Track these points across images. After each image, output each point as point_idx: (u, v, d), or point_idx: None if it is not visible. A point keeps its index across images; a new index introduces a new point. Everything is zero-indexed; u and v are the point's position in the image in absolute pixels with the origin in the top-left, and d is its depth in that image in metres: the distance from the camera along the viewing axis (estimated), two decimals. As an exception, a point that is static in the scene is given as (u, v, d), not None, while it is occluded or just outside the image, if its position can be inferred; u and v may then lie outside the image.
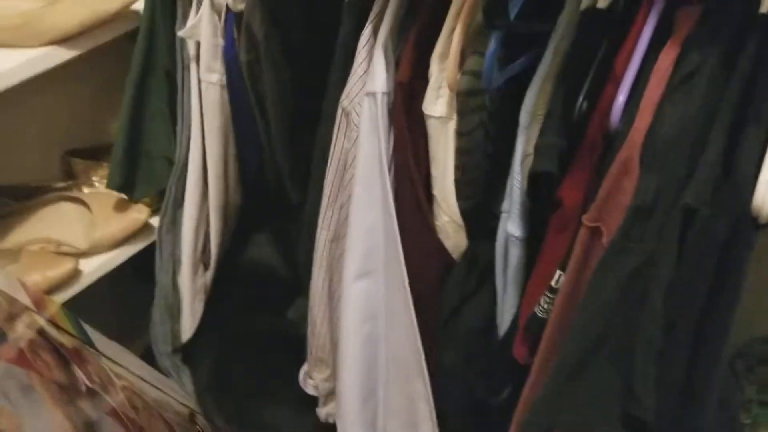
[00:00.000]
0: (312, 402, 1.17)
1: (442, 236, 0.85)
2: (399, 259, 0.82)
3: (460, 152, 0.81)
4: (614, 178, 0.67)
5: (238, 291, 1.29)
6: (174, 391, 1.29)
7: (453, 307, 0.87)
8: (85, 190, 1.32)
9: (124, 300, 1.36)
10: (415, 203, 0.83)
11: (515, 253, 0.79)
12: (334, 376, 1.03)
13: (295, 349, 1.17)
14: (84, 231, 1.21)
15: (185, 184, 1.12)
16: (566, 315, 0.73)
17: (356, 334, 0.90)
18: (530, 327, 0.78)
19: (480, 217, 0.83)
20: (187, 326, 1.26)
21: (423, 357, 0.86)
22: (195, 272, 1.21)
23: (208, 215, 1.17)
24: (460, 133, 0.80)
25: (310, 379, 1.09)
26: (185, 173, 1.11)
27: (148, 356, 1.33)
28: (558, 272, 0.73)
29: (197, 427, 1.23)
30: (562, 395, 0.72)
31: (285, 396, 1.20)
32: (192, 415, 1.25)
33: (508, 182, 0.77)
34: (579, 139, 0.71)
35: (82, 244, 1.20)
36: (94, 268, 1.20)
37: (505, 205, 0.79)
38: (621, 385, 0.69)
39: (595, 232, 0.69)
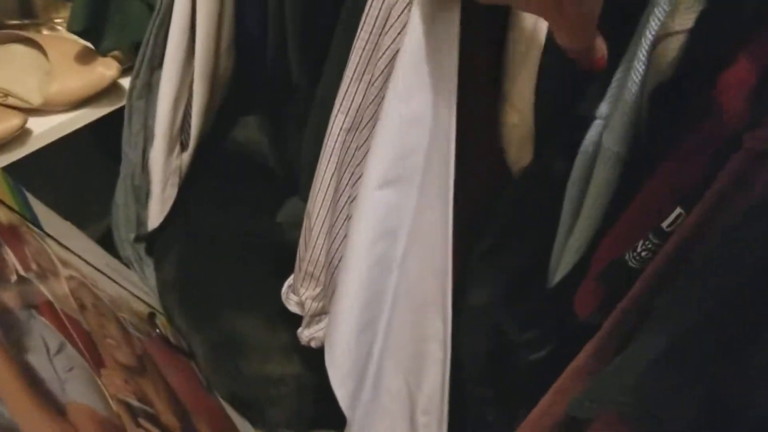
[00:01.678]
0: (286, 318, 0.99)
1: (503, 144, 0.64)
2: (448, 166, 0.60)
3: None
4: None
5: (216, 180, 1.10)
6: (133, 286, 1.10)
7: (497, 236, 0.68)
8: (45, 32, 1.12)
9: (83, 175, 1.16)
10: (480, 89, 0.61)
11: (605, 176, 0.58)
12: (326, 296, 0.84)
13: (277, 256, 1.00)
14: (38, 82, 1.01)
15: (166, 38, 0.91)
16: (673, 272, 0.52)
17: (366, 253, 0.69)
18: (611, 277, 0.58)
19: (560, 121, 0.61)
20: (156, 213, 1.08)
21: (450, 290, 0.66)
22: (170, 151, 1.02)
23: (191, 83, 0.96)
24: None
25: (294, 295, 0.90)
26: (167, 24, 0.90)
27: (107, 242, 1.14)
28: (677, 210, 0.52)
29: (156, 329, 1.04)
30: (644, 379, 0.52)
31: (257, 306, 1.04)
32: (151, 316, 1.06)
33: (618, 73, 0.55)
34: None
35: (34, 98, 0.99)
36: (47, 129, 1.00)
37: (603, 108, 0.57)
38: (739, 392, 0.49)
39: (761, 159, 0.46)
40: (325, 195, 0.77)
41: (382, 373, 0.75)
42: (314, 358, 1.02)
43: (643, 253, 0.55)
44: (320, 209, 0.78)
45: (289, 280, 0.91)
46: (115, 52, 1.02)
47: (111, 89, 1.02)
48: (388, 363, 0.74)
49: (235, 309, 1.06)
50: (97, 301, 0.89)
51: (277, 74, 0.99)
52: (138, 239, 1.11)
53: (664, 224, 0.53)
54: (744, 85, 0.47)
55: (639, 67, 0.53)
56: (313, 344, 0.90)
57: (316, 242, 0.82)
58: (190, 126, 1.01)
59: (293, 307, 0.91)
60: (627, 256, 0.56)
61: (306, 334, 0.91)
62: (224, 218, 1.09)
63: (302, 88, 0.96)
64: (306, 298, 0.87)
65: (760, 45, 0.47)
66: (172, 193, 1.06)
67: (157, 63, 0.95)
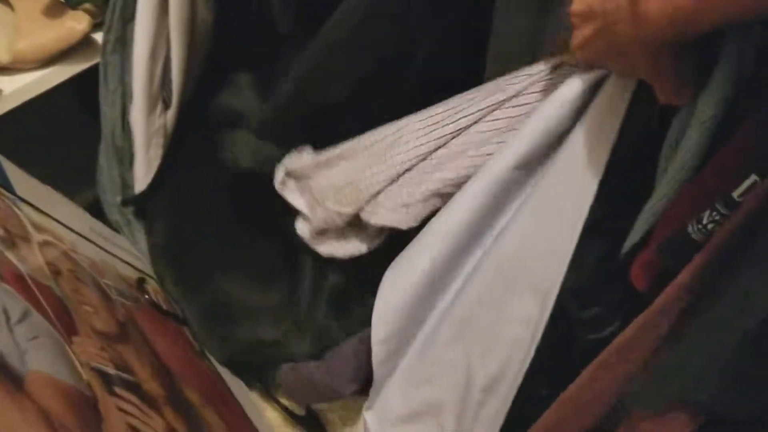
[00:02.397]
0: (279, 279, 0.99)
1: None
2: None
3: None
4: None
5: (205, 139, 1.05)
6: (122, 251, 1.06)
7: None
8: None
9: (67, 138, 1.11)
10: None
11: (698, 139, 0.52)
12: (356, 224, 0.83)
13: (268, 217, 0.98)
14: (5, 38, 0.95)
15: (137, -14, 0.86)
16: (741, 247, 0.48)
17: (466, 215, 0.69)
18: (670, 249, 0.54)
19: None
20: (141, 175, 1.03)
21: (561, 278, 0.62)
22: (151, 109, 0.97)
23: (168, 35, 0.90)
24: None
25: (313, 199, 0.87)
26: None
27: (97, 209, 1.10)
28: (752, 177, 0.47)
29: (146, 295, 1.00)
30: (725, 373, 0.49)
31: (249, 268, 1.01)
32: (140, 281, 1.02)
33: None
34: None
35: (1, 55, 0.94)
36: (17, 87, 0.95)
37: None
38: None
39: None
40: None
41: (436, 340, 0.72)
42: (306, 318, 0.98)
43: (709, 225, 0.50)
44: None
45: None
46: (87, 5, 0.96)
47: (84, 44, 0.97)
48: (446, 331, 0.71)
49: (227, 272, 1.02)
50: (74, 267, 0.85)
51: (262, 24, 0.93)
52: (125, 203, 1.07)
53: (736, 193, 0.48)
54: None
55: None
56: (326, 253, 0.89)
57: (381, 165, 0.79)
58: (171, 82, 0.95)
59: (294, 197, 0.89)
60: (690, 228, 0.51)
61: (325, 248, 0.89)
62: (214, 180, 1.05)
63: (291, 41, 0.91)
64: (333, 211, 0.84)
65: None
66: (157, 153, 1.01)
67: (129, 15, 0.90)
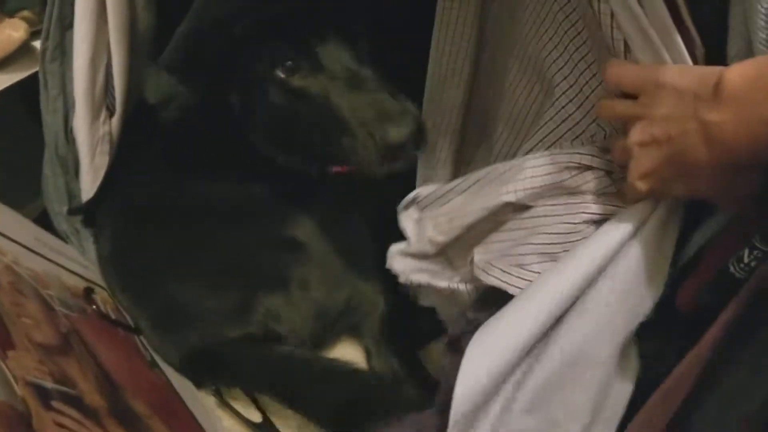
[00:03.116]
0: (229, 281, 0.97)
1: None
2: None
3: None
4: None
5: (153, 146, 1.03)
6: (70, 260, 1.03)
7: None
8: None
9: (10, 148, 1.09)
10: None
11: None
12: (451, 250, 0.80)
13: (217, 220, 0.98)
14: None
15: (74, -8, 0.83)
16: None
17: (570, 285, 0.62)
18: (719, 286, 0.54)
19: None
20: (87, 184, 1.00)
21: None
22: (94, 117, 0.94)
23: (108, 41, 0.88)
24: None
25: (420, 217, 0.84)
26: None
27: (45, 219, 1.08)
28: None
29: (93, 305, 0.98)
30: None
31: (199, 272, 0.98)
32: (88, 291, 1.00)
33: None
34: None
35: None
36: None
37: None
38: None
39: None
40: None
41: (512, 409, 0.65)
42: (260, 318, 0.96)
43: (752, 263, 0.50)
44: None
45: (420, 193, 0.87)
46: (25, 12, 0.95)
47: (23, 52, 0.96)
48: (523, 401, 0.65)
49: (176, 278, 1.00)
50: (14, 278, 0.82)
51: None
52: (71, 212, 1.04)
53: None
54: None
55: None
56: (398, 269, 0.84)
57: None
58: (114, 89, 0.93)
59: (407, 224, 0.86)
60: (731, 267, 0.51)
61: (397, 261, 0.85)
62: (161, 186, 1.03)
63: None
64: (427, 236, 0.82)
65: None
66: (102, 161, 0.99)
67: (67, 23, 0.88)
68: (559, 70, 0.70)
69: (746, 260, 0.51)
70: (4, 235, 0.90)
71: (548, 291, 0.62)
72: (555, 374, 0.62)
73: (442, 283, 0.80)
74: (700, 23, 0.56)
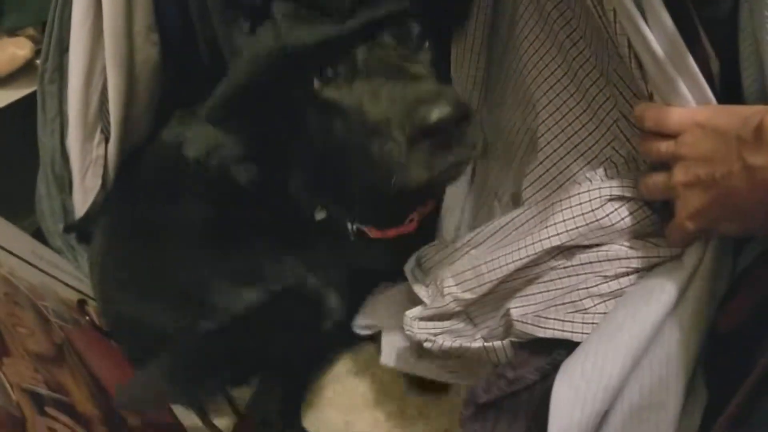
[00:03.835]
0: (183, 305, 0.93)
1: None
2: None
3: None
4: None
5: (146, 173, 1.03)
6: (65, 273, 1.05)
7: None
8: None
9: (9, 163, 1.10)
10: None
11: None
12: (476, 310, 0.75)
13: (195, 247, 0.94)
14: None
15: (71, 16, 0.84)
16: None
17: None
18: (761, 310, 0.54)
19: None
20: (79, 202, 1.01)
21: None
22: (86, 139, 0.96)
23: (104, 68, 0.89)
24: None
25: (431, 279, 0.80)
26: (71, 2, 0.84)
27: (42, 233, 1.08)
28: None
29: (86, 317, 1.00)
30: None
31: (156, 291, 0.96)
32: (81, 302, 1.02)
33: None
34: None
35: None
36: None
37: None
38: None
39: None
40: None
41: None
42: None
43: None
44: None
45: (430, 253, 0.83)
46: (31, 32, 0.96)
47: (27, 70, 0.97)
48: None
49: (142, 293, 0.96)
50: (11, 289, 0.84)
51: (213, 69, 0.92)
52: (66, 229, 1.05)
53: None
54: None
55: None
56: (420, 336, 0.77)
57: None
58: (108, 113, 0.94)
59: (419, 288, 0.80)
60: None
61: (418, 326, 0.78)
62: (149, 212, 1.03)
63: None
64: (449, 294, 0.76)
65: None
66: (94, 183, 0.98)
67: (65, 45, 0.88)
68: (568, 95, 0.70)
69: None
70: (1, 247, 0.92)
71: (630, 334, 0.60)
72: (634, 415, 0.60)
73: (476, 344, 0.72)
74: (713, 39, 0.57)
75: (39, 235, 1.07)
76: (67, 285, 1.03)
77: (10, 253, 0.94)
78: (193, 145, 0.92)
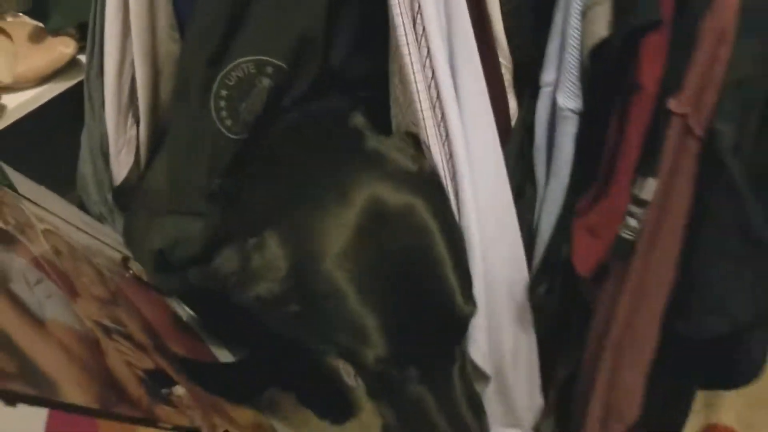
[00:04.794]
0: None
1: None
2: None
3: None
4: (708, 51, 0.52)
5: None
6: (107, 237, 1.21)
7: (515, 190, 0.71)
8: (9, 18, 1.17)
9: (57, 145, 1.24)
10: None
11: (568, 131, 0.64)
12: None
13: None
14: (6, 63, 1.08)
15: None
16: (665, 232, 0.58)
17: None
18: (619, 252, 0.63)
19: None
20: (115, 174, 1.14)
21: None
22: (121, 121, 1.08)
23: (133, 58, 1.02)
24: None
25: None
26: (104, 7, 0.96)
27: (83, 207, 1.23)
28: (649, 180, 0.57)
29: (131, 271, 1.16)
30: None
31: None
32: (125, 259, 1.18)
33: (552, 45, 0.63)
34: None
35: (5, 77, 1.08)
36: (19, 103, 1.10)
37: (547, 77, 0.64)
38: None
39: (687, 129, 0.54)
40: None
41: None
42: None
43: (634, 224, 0.61)
44: None
45: None
46: (72, 31, 1.09)
47: (71, 64, 1.11)
48: None
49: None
50: (70, 249, 1.00)
51: None
52: (107, 196, 1.21)
53: (637, 191, 0.59)
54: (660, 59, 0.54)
55: (574, 33, 0.60)
56: None
57: None
58: (137, 99, 1.06)
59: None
60: (622, 232, 0.62)
61: None
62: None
63: None
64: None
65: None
66: (127, 159, 1.11)
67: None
68: None
69: (629, 223, 0.61)
70: (59, 217, 1.09)
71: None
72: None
73: None
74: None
75: (81, 207, 1.23)
76: (110, 246, 1.20)
77: (65, 221, 1.10)
78: None
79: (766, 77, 0.52)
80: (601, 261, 0.65)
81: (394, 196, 0.66)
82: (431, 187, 0.67)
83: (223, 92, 0.75)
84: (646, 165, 0.57)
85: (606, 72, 0.59)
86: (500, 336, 0.71)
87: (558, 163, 0.66)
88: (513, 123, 0.73)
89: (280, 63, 0.74)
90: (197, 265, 0.82)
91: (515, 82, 0.71)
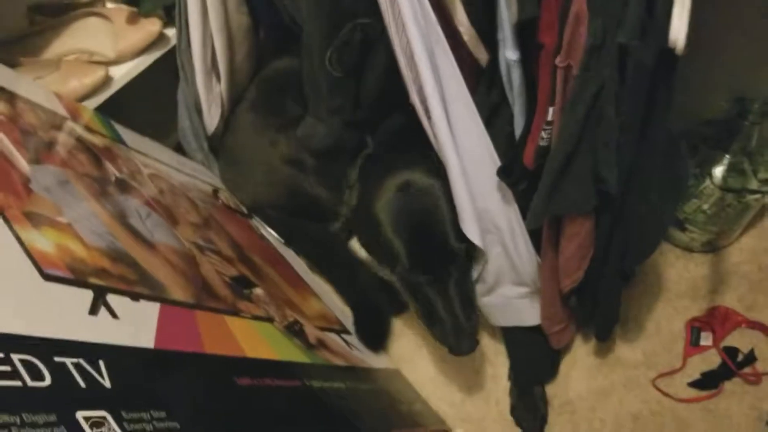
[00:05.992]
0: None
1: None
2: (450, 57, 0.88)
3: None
4: (572, 26, 0.75)
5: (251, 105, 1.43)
6: (200, 173, 1.43)
7: (485, 118, 0.94)
8: (108, 5, 1.35)
9: (154, 103, 1.46)
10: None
11: (516, 74, 0.86)
12: None
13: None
14: (110, 42, 1.26)
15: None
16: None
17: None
18: (539, 155, 0.87)
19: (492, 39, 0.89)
20: (208, 125, 1.39)
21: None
22: (209, 82, 1.30)
23: (211, 31, 1.22)
24: None
25: None
26: None
27: (180, 148, 1.48)
28: (550, 108, 0.82)
29: (220, 200, 1.41)
30: (555, 187, 0.86)
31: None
32: (215, 191, 1.43)
33: (498, 16, 0.83)
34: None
35: (110, 53, 1.26)
36: (122, 74, 1.26)
37: (499, 34, 0.85)
38: (593, 172, 0.84)
39: (567, 70, 0.77)
40: None
41: None
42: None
43: (546, 136, 0.85)
44: None
45: None
46: (160, 13, 1.29)
47: (160, 38, 1.29)
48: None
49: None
50: (171, 186, 1.24)
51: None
52: (202, 143, 1.44)
53: (548, 117, 0.84)
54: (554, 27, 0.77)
55: (504, 13, 0.81)
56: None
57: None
58: (218, 63, 1.29)
59: None
60: (540, 141, 0.86)
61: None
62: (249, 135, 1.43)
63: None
64: None
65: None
66: (216, 112, 1.36)
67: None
68: None
69: (544, 135, 0.84)
70: (161, 162, 1.34)
71: None
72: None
73: None
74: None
75: (178, 149, 1.47)
76: (203, 181, 1.44)
77: (166, 164, 1.35)
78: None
79: (612, 44, 0.73)
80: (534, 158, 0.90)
81: (420, 179, 1.06)
82: (442, 175, 0.99)
83: (335, 54, 1.04)
84: (551, 98, 0.80)
85: (526, 36, 0.81)
86: (492, 217, 0.99)
87: (514, 94, 0.89)
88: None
89: (367, 20, 1.01)
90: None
91: (483, 41, 0.92)
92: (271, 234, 1.45)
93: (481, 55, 0.92)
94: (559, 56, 0.77)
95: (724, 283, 1.40)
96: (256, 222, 1.45)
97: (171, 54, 1.32)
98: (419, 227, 1.05)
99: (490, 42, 0.89)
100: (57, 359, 0.58)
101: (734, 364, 1.29)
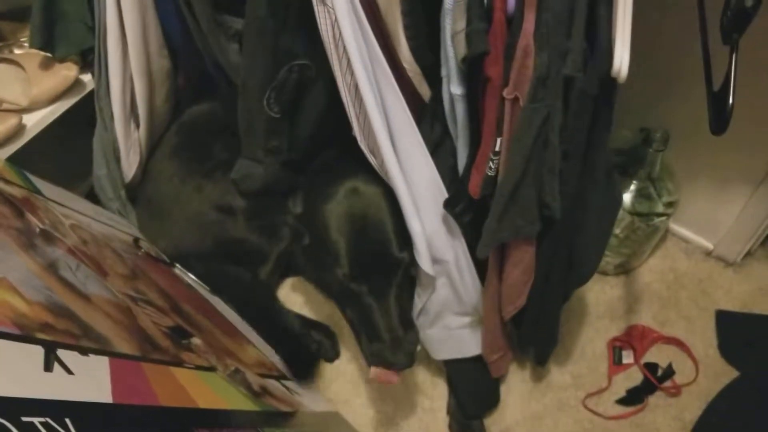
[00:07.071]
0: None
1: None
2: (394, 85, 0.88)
3: (406, 27, 0.90)
4: (519, 60, 0.76)
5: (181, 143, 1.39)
6: (117, 222, 1.36)
7: (429, 151, 0.94)
8: (17, 51, 1.28)
9: (65, 149, 1.39)
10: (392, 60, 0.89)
11: (460, 108, 0.86)
12: None
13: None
14: (22, 89, 1.19)
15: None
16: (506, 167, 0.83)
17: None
18: (486, 185, 0.88)
19: (434, 75, 0.89)
20: (126, 172, 1.33)
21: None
22: (127, 127, 1.26)
23: (131, 75, 1.19)
24: (403, 13, 0.88)
25: None
26: (106, 38, 1.11)
27: (92, 197, 1.40)
28: (498, 139, 0.82)
29: (142, 249, 1.34)
30: (504, 214, 0.86)
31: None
32: (136, 240, 1.36)
33: (442, 53, 0.84)
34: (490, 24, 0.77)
35: (22, 101, 1.18)
36: (36, 121, 1.20)
37: (443, 71, 0.85)
38: (538, 199, 0.85)
39: (515, 101, 0.78)
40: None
41: None
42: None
43: (493, 166, 0.85)
44: None
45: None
46: (74, 57, 1.22)
47: (76, 84, 1.23)
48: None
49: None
50: (93, 237, 1.17)
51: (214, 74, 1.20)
52: (120, 193, 1.38)
53: (496, 148, 0.83)
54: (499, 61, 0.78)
55: (450, 50, 0.82)
56: None
57: None
58: (137, 108, 1.24)
59: None
60: (487, 171, 0.86)
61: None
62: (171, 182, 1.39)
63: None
64: None
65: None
66: (135, 159, 1.30)
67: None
68: None
69: (491, 165, 0.85)
70: (79, 212, 1.26)
71: None
72: None
73: None
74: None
75: (89, 198, 1.39)
76: (123, 231, 1.37)
77: (84, 214, 1.27)
78: None
79: (557, 76, 0.76)
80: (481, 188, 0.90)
81: (365, 186, 1.05)
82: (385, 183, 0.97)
83: (273, 94, 1.01)
84: (498, 129, 0.82)
85: (473, 71, 0.82)
86: (439, 247, 0.98)
87: (458, 127, 0.89)
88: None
89: (304, 62, 0.99)
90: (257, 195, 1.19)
91: (427, 77, 0.93)
92: (196, 282, 1.38)
93: (425, 91, 0.93)
94: (507, 88, 0.78)
95: (638, 302, 1.46)
96: (179, 270, 1.38)
97: (84, 100, 1.26)
98: (362, 231, 1.04)
99: (433, 78, 0.90)
100: (24, 419, 0.52)
101: (656, 379, 1.33)
